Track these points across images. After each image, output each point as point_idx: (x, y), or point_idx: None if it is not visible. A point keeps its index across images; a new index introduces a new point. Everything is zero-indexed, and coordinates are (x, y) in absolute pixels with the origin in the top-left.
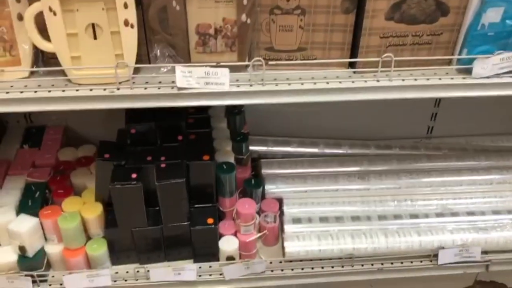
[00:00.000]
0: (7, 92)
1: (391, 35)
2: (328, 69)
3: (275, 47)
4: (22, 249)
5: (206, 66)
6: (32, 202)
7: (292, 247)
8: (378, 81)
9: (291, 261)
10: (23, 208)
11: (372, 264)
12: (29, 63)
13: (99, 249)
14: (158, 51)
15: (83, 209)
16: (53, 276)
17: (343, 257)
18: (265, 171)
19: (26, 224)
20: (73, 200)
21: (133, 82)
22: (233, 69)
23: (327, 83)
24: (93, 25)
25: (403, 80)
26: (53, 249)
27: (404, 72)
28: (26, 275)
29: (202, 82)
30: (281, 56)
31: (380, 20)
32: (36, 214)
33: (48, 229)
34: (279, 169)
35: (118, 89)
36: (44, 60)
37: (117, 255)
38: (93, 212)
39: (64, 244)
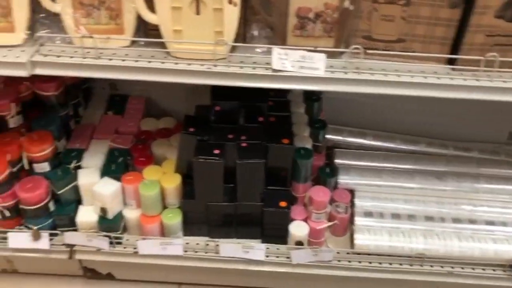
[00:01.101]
0: (110, 59)
1: (498, 34)
2: (425, 63)
3: (374, 36)
4: (103, 210)
5: (303, 50)
6: (115, 167)
7: (362, 240)
8: (477, 80)
9: (359, 253)
10: (106, 171)
11: (442, 267)
12: (132, 32)
13: (174, 218)
14: (256, 31)
15: (162, 179)
16: (127, 240)
17: (413, 256)
18: (338, 161)
19: (109, 187)
20: (154, 169)
21: (229, 61)
22: (328, 55)
23: (425, 77)
24: (197, 0)
25: (504, 81)
26: (131, 214)
27: (506, 73)
28: (104, 235)
29: (297, 65)
30: (379, 46)
31: (489, 18)
32: (118, 179)
33: (128, 194)
34: (353, 160)
35: (215, 66)
36: (144, 31)
37: (190, 226)
38: (172, 182)
39: (142, 210)
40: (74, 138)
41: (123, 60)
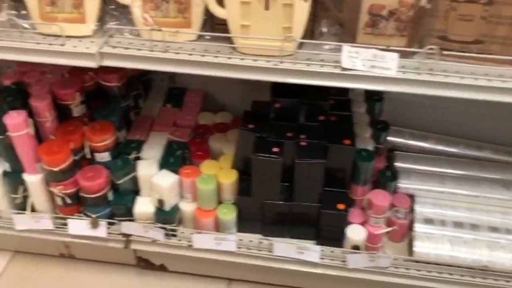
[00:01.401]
0: (177, 53)
1: None
2: (504, 67)
3: (450, 36)
4: (160, 202)
5: (375, 48)
6: (173, 160)
7: (422, 247)
8: None
9: (418, 261)
10: (164, 163)
11: (508, 281)
12: (199, 26)
13: (229, 214)
14: (325, 28)
15: (219, 174)
16: (182, 232)
17: (475, 268)
18: (399, 164)
19: (168, 179)
20: (211, 163)
21: (296, 58)
22: (400, 54)
23: (503, 81)
24: None
25: None
26: (187, 207)
27: None
28: (160, 227)
29: (368, 65)
30: (454, 47)
31: None
32: (176, 171)
33: (186, 188)
34: (414, 164)
35: (282, 62)
36: (211, 25)
37: (243, 223)
38: (229, 178)
39: (198, 204)
40: (134, 129)
41: (190, 55)
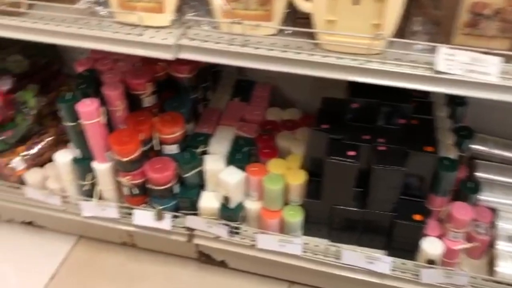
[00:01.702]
0: (256, 48)
1: None
2: None
3: None
4: (226, 199)
5: (474, 51)
6: (240, 156)
7: (505, 268)
8: None
9: (499, 282)
10: (231, 159)
11: None
12: (280, 20)
13: (295, 216)
14: (418, 26)
15: (287, 174)
16: (245, 231)
17: None
18: (480, 174)
19: (235, 176)
20: (279, 162)
21: (384, 57)
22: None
23: None
24: None
25: None
26: (252, 206)
27: None
28: (224, 224)
29: (465, 69)
30: None
31: None
32: (243, 168)
33: (252, 186)
34: (497, 175)
35: (369, 61)
36: (292, 19)
37: (309, 226)
38: (297, 179)
39: (263, 204)
40: (202, 122)
41: (270, 50)
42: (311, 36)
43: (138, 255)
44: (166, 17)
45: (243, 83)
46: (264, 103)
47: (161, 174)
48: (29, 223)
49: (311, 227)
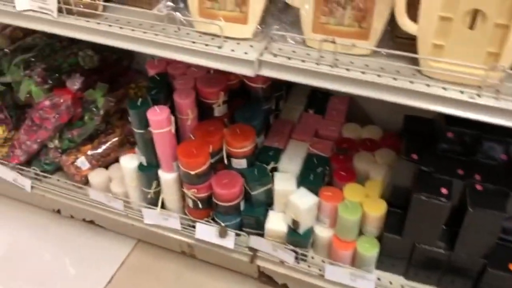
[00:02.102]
0: (347, 69)
1: None
2: None
3: None
4: (295, 223)
5: None
6: (313, 177)
7: None
8: None
9: None
10: (303, 180)
11: None
12: (377, 39)
13: (370, 250)
14: None
15: (365, 202)
16: (312, 258)
17: None
18: None
19: (307, 200)
20: (356, 188)
21: (498, 91)
22: None
23: None
24: (475, 11)
25: None
26: (323, 233)
27: None
28: (291, 249)
29: None
30: None
31: None
32: (316, 191)
33: (324, 212)
34: None
35: (480, 95)
36: (391, 38)
37: (384, 260)
38: (377, 210)
39: (336, 232)
40: (272, 135)
41: (363, 73)
42: (412, 60)
43: (196, 266)
44: (249, 28)
45: (318, 94)
46: (340, 118)
47: (228, 191)
48: (90, 222)
49: (385, 261)
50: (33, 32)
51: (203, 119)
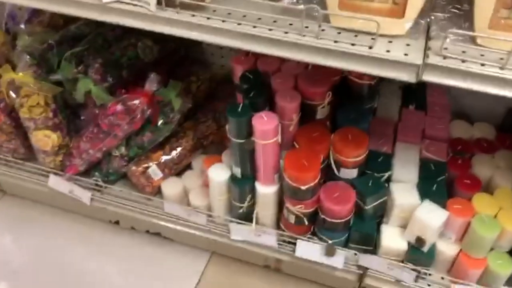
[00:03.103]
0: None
1: None
2: None
3: None
4: (420, 241)
5: None
6: (436, 187)
7: None
8: None
9: None
10: (425, 191)
11: None
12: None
13: (505, 267)
14: None
15: (501, 216)
16: (430, 275)
17: None
18: None
19: (437, 217)
20: (485, 198)
21: None
22: None
23: None
24: None
25: None
26: (447, 249)
27: None
28: (412, 268)
29: None
30: None
31: None
32: (441, 204)
33: (453, 227)
34: None
35: None
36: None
37: None
38: None
39: (464, 248)
40: (374, 137)
41: None
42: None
43: (283, 281)
44: (404, 23)
45: (412, 85)
46: (445, 114)
47: (342, 207)
48: (156, 234)
49: None
50: (73, 18)
51: (303, 123)
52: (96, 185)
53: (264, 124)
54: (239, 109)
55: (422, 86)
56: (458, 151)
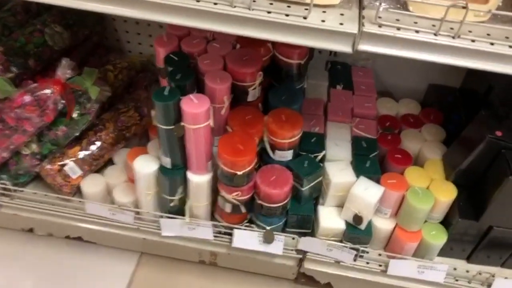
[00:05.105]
0: (472, 41)
1: None
2: None
3: None
4: (358, 219)
5: None
6: (368, 163)
7: None
8: None
9: None
10: (360, 168)
11: None
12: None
13: (439, 238)
14: None
15: (433, 187)
16: (367, 253)
17: None
18: None
19: (373, 192)
20: (417, 171)
21: None
22: None
23: None
24: None
25: None
26: (383, 224)
27: None
28: (351, 248)
29: None
30: None
31: None
32: (376, 180)
33: (387, 201)
34: None
35: None
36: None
37: (448, 246)
38: (447, 195)
39: (400, 222)
40: (305, 118)
41: (492, 44)
42: None
43: (218, 275)
44: None
45: (337, 66)
46: (371, 92)
47: (280, 190)
48: (77, 238)
49: (449, 247)
50: None
51: (235, 106)
52: (4, 189)
53: (195, 107)
54: (166, 93)
55: (347, 67)
56: (387, 127)
